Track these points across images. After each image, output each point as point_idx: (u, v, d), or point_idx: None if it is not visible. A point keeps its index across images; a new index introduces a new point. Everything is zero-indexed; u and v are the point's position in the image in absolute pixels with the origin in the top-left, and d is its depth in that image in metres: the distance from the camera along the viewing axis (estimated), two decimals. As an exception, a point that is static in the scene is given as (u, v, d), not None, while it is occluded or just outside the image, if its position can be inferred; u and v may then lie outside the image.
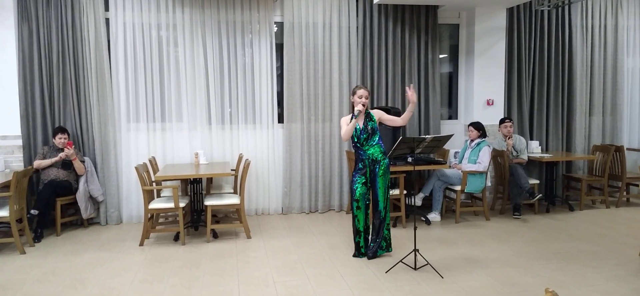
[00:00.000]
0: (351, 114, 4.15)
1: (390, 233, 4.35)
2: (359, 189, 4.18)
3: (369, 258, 4.22)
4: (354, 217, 4.24)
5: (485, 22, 6.30)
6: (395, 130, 5.26)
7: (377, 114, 4.23)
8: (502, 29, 6.35)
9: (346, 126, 4.14)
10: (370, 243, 4.31)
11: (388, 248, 4.33)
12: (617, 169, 6.28)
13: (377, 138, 4.19)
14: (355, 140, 4.19)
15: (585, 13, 6.67)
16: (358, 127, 4.17)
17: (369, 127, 4.16)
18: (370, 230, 4.37)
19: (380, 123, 4.24)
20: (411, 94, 3.99)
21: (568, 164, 6.78)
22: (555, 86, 6.59)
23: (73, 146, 5.16)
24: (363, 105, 4.10)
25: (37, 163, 5.11)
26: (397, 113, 5.38)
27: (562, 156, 6.17)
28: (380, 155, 4.17)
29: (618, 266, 3.97)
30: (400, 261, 4.03)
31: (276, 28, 6.05)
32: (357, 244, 4.29)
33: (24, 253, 4.51)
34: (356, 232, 4.27)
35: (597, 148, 6.47)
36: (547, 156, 5.94)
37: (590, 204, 6.46)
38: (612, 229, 5.18)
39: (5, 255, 4.47)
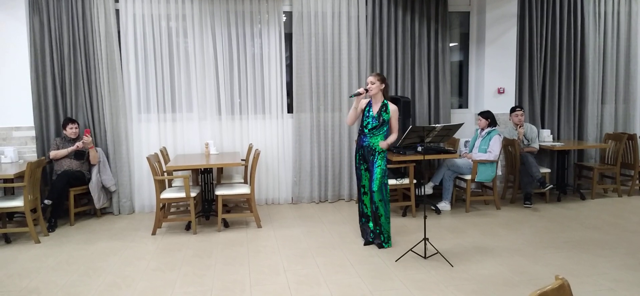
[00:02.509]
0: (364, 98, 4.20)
1: (389, 226, 4.24)
2: (364, 175, 4.29)
3: (379, 247, 4.23)
4: (361, 202, 4.35)
5: (496, 10, 6.23)
6: (405, 119, 5.25)
7: (392, 111, 4.18)
8: (513, 17, 6.27)
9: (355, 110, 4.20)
10: (375, 230, 4.30)
11: (387, 242, 4.24)
12: (629, 157, 6.21)
13: (385, 130, 4.18)
14: (364, 124, 4.21)
15: (598, -1, 6.57)
16: (371, 113, 4.17)
17: (382, 118, 4.14)
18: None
19: None
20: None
21: (580, 153, 6.72)
22: (567, 74, 6.51)
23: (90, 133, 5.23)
24: (366, 89, 4.11)
25: (54, 154, 5.18)
26: (407, 103, 5.38)
27: (574, 144, 6.11)
28: (378, 146, 4.16)
29: (629, 255, 3.95)
30: (410, 250, 4.04)
31: (285, 18, 6.03)
32: (364, 227, 4.36)
33: (39, 242, 4.60)
34: (362, 214, 4.37)
35: (609, 136, 6.39)
36: (558, 145, 5.89)
37: (602, 193, 6.41)
38: (624, 218, 5.13)
39: (21, 244, 4.56)
